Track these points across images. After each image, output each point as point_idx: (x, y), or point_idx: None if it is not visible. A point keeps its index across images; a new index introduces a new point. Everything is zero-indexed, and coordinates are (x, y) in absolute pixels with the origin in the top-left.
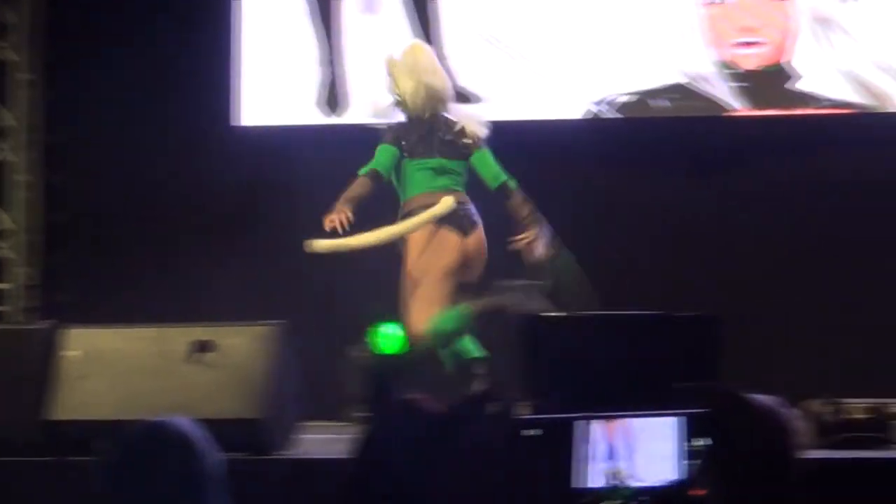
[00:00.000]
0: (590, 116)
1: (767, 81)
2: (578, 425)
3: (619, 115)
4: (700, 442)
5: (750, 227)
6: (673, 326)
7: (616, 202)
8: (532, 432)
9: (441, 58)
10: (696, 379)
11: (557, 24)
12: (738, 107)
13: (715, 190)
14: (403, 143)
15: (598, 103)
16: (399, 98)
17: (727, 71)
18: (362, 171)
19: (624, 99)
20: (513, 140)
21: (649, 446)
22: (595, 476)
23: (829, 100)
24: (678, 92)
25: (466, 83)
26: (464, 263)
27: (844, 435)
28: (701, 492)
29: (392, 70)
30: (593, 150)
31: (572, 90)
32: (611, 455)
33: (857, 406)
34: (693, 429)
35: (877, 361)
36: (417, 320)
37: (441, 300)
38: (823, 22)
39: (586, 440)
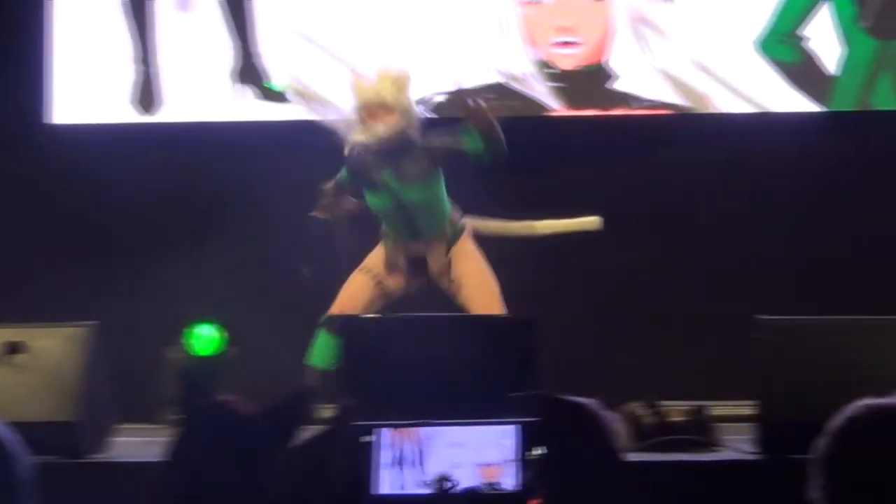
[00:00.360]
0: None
1: (585, 81)
2: (395, 432)
3: (435, 115)
4: (536, 451)
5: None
6: (489, 329)
7: None
8: (368, 439)
9: (254, 56)
10: (514, 382)
11: (373, 23)
12: (557, 107)
13: (532, 190)
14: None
15: (420, 102)
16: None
17: (545, 71)
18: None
19: (441, 98)
20: (326, 141)
21: (479, 454)
22: (413, 483)
23: (647, 100)
24: (496, 91)
25: (279, 82)
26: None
27: (664, 438)
28: (536, 501)
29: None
30: None
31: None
32: (425, 462)
33: (677, 409)
34: (528, 437)
35: (695, 364)
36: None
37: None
38: (641, 22)
39: (399, 446)
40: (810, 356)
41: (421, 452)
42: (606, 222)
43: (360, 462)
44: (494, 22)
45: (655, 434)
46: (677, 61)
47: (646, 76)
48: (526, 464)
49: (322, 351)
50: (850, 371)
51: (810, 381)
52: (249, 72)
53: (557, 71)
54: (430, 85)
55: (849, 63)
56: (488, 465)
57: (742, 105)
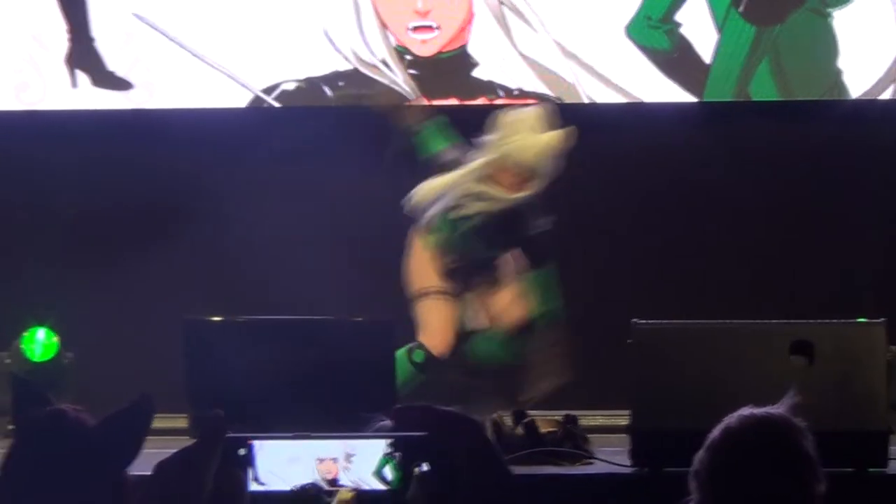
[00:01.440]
0: (258, 105)
1: (445, 68)
2: (258, 445)
3: (289, 104)
4: (416, 466)
5: None
6: (345, 331)
7: (290, 191)
8: (242, 451)
9: (88, 40)
10: (372, 386)
11: (221, 7)
12: (415, 96)
13: (392, 180)
14: None
15: (267, 91)
16: None
17: (403, 57)
18: None
19: (294, 86)
20: (178, 131)
21: (356, 466)
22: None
23: (511, 89)
24: (350, 79)
25: (116, 68)
26: None
27: (536, 449)
28: None
29: None
30: (265, 140)
31: (238, 78)
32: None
33: (548, 419)
34: (407, 452)
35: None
36: None
37: None
38: (505, 5)
39: (272, 458)
40: (688, 363)
41: (293, 464)
42: None
43: (235, 476)
44: (348, 5)
45: (523, 446)
46: (543, 48)
47: (510, 63)
48: (406, 478)
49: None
50: (727, 378)
51: (686, 389)
52: (87, 56)
53: (415, 57)
54: (284, 72)
55: (724, 50)
56: (366, 478)
57: (612, 95)
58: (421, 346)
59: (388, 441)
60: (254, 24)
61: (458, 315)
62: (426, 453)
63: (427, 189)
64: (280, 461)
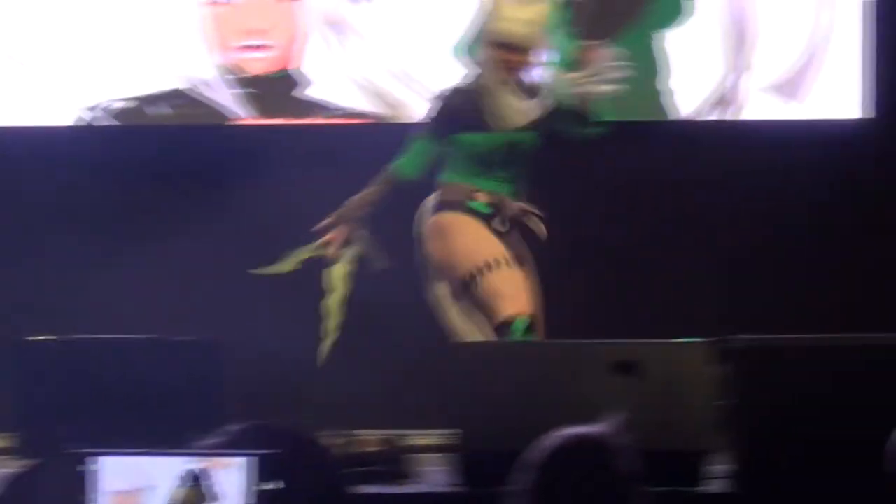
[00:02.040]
0: (82, 123)
1: (275, 88)
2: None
3: (114, 123)
4: (268, 485)
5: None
6: (168, 350)
7: (111, 209)
8: (84, 468)
9: None
10: (200, 405)
11: (47, 24)
12: (244, 114)
13: (218, 201)
14: None
15: (91, 109)
16: None
17: (232, 76)
18: None
19: (120, 105)
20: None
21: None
22: None
23: (342, 108)
24: (179, 98)
25: None
26: None
27: (357, 469)
28: None
29: None
30: (87, 160)
31: (62, 95)
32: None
33: (370, 438)
34: (261, 469)
35: (392, 391)
36: None
37: None
38: (335, 26)
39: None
40: (511, 383)
41: (133, 480)
42: (301, 236)
43: (77, 494)
44: (176, 23)
45: (348, 465)
46: (374, 67)
47: (341, 83)
48: (259, 499)
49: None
50: (551, 397)
51: (510, 408)
52: None
53: (245, 76)
54: (109, 91)
55: (558, 68)
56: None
57: None
58: (510, 320)
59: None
60: (80, 39)
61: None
62: (276, 469)
63: None
64: (121, 477)
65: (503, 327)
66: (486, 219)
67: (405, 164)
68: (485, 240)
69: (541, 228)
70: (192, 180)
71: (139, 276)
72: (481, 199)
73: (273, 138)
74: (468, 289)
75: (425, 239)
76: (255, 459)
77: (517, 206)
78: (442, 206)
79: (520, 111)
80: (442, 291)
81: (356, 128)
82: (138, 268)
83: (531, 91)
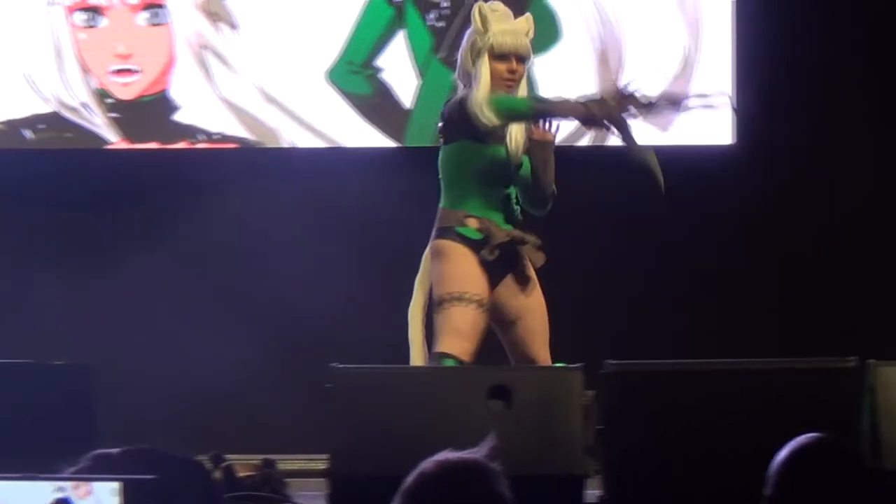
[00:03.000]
0: None
1: (146, 112)
2: None
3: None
4: None
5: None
6: (42, 375)
7: None
8: None
9: None
10: (72, 429)
11: None
12: (116, 139)
13: (90, 227)
14: None
15: None
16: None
17: (104, 100)
18: None
19: None
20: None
21: None
22: None
23: (212, 133)
24: (51, 122)
25: None
26: None
27: (233, 494)
28: None
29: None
30: None
31: None
32: None
33: (246, 463)
34: (135, 494)
35: (269, 417)
36: None
37: None
38: (205, 50)
39: None
40: (386, 407)
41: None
42: (170, 261)
43: None
44: (48, 47)
45: (225, 490)
46: (244, 92)
47: (211, 107)
48: None
49: None
50: (427, 423)
51: (385, 433)
52: None
53: (116, 101)
54: None
55: (425, 96)
56: None
57: (313, 139)
58: (446, 355)
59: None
60: None
61: (484, 326)
62: (153, 496)
63: None
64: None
65: (435, 359)
66: (477, 246)
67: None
68: (466, 271)
69: (538, 256)
70: (65, 205)
71: (17, 299)
72: (472, 225)
73: (146, 163)
74: (433, 313)
75: (426, 262)
76: (124, 485)
77: (506, 233)
78: (438, 232)
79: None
80: (415, 309)
81: (226, 152)
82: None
83: None
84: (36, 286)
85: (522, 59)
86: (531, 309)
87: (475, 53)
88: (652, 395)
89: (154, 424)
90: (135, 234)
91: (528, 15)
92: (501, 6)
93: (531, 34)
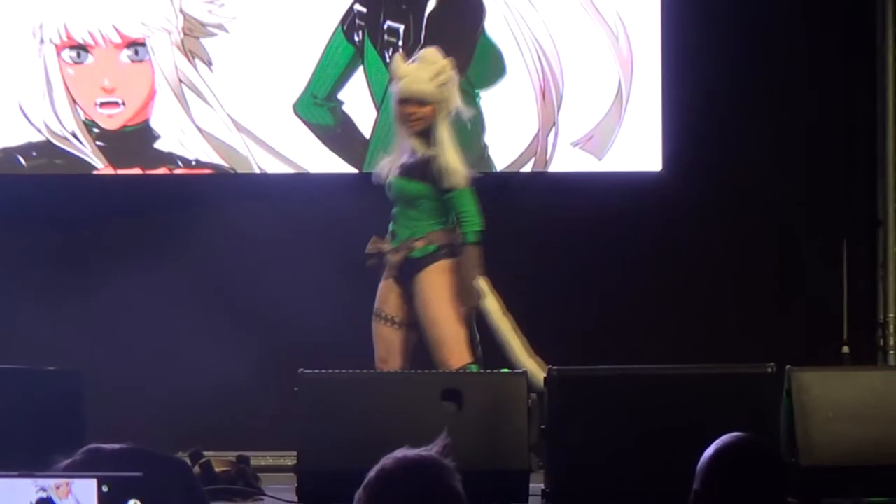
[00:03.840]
0: None
1: (129, 141)
2: None
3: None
4: None
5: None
6: (31, 380)
7: None
8: None
9: None
10: (62, 431)
11: None
12: (102, 165)
13: (79, 245)
14: None
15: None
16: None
17: (91, 130)
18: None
19: None
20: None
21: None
22: None
23: (188, 159)
24: (43, 150)
25: None
26: None
27: (211, 487)
28: None
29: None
30: None
31: None
32: None
33: (222, 459)
34: (118, 491)
35: (241, 415)
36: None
37: None
38: (183, 85)
39: None
40: (349, 408)
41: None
42: (152, 274)
43: None
44: (40, 81)
45: (202, 483)
46: (218, 122)
47: (188, 136)
48: None
49: None
50: (386, 422)
51: (348, 432)
52: None
53: (102, 130)
54: None
55: (382, 126)
56: None
57: (281, 165)
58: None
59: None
60: None
61: (404, 344)
62: (137, 492)
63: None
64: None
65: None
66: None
67: None
68: (382, 288)
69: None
70: (54, 226)
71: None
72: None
73: (130, 187)
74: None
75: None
76: (105, 481)
77: (397, 254)
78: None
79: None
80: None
81: (201, 178)
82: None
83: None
84: (30, 299)
85: (423, 102)
86: None
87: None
88: (590, 397)
89: (138, 425)
90: (119, 251)
91: (442, 62)
92: (429, 53)
93: (441, 78)
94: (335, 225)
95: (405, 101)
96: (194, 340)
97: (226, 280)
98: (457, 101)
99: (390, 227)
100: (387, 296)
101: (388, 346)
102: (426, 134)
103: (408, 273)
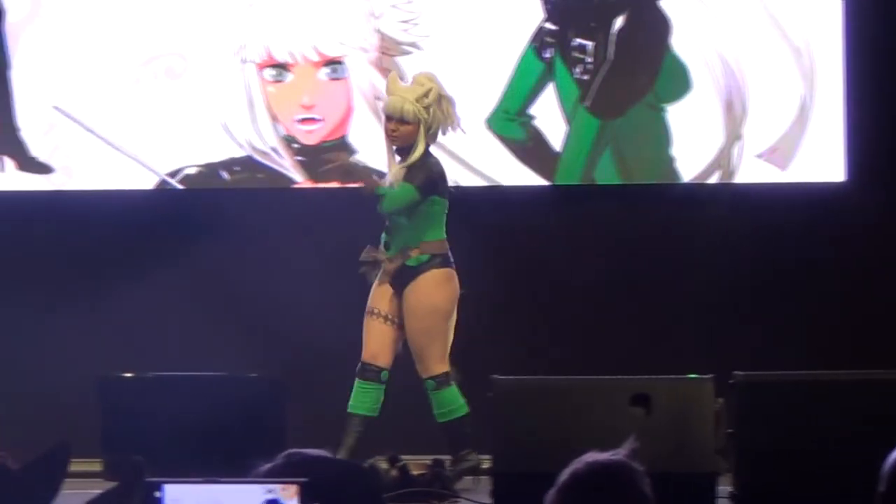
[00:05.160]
0: (163, 187)
1: (328, 155)
2: (171, 489)
3: (190, 186)
4: None
5: (313, 292)
6: (237, 386)
7: (190, 263)
8: (158, 494)
9: (14, 130)
10: (264, 438)
11: (130, 100)
12: (301, 179)
13: (276, 255)
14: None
15: (172, 174)
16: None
17: (291, 146)
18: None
19: (195, 170)
20: (88, 210)
21: None
22: None
23: (384, 173)
24: (245, 164)
25: (39, 154)
26: None
27: (404, 490)
28: None
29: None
30: (168, 217)
31: (145, 163)
32: None
33: (417, 462)
34: (307, 497)
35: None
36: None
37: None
38: (379, 101)
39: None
40: (541, 413)
41: None
42: (345, 288)
43: None
44: (242, 100)
45: (397, 487)
46: None
47: (384, 151)
48: None
49: (360, 398)
50: (576, 427)
51: (540, 436)
52: (12, 143)
53: (301, 146)
54: (182, 158)
55: (572, 140)
56: None
57: (474, 178)
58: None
59: (269, 488)
60: (160, 115)
61: (395, 340)
62: (321, 496)
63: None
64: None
65: (362, 365)
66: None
67: None
68: (375, 290)
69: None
70: (250, 239)
71: (207, 322)
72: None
73: (326, 200)
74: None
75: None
76: (302, 486)
77: (394, 263)
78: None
79: (392, 173)
80: None
81: None
82: (216, 312)
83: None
84: (232, 306)
85: (404, 120)
86: None
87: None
88: (776, 401)
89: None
90: (320, 259)
91: (430, 86)
92: (422, 77)
93: (426, 101)
94: (525, 235)
95: (388, 117)
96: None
97: None
98: (450, 122)
99: (383, 237)
100: (381, 296)
101: (382, 341)
102: (406, 150)
103: (402, 279)
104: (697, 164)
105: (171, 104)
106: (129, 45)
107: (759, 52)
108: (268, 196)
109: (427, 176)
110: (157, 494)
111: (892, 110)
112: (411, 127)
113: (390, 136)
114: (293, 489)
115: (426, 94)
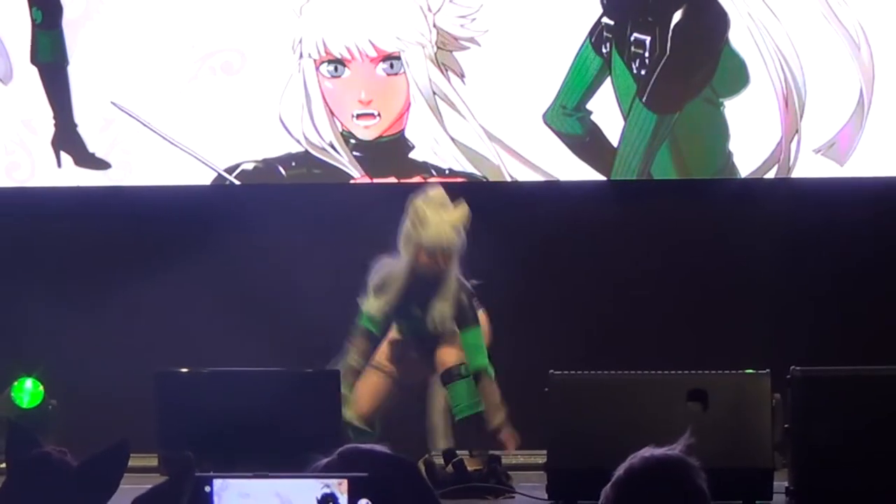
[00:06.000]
0: (221, 182)
1: (385, 151)
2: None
3: (247, 182)
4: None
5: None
6: (294, 381)
7: (248, 257)
8: (208, 488)
9: (72, 126)
10: (321, 432)
11: (188, 96)
12: (358, 175)
13: (333, 251)
14: None
15: (229, 170)
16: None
17: (348, 141)
18: None
19: (252, 166)
20: (145, 206)
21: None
22: None
23: (441, 168)
24: (302, 160)
25: (96, 150)
26: None
27: (460, 485)
28: None
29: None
30: (226, 212)
31: (203, 158)
32: None
33: (475, 458)
34: (356, 491)
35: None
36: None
37: None
38: (436, 97)
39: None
40: (597, 408)
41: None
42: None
43: None
44: (300, 95)
45: (453, 482)
46: (471, 132)
47: (442, 146)
48: None
49: (457, 400)
50: (632, 422)
51: (596, 431)
52: (70, 139)
53: (359, 141)
54: (239, 154)
55: (629, 135)
56: None
57: (531, 174)
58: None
59: (325, 482)
60: (217, 111)
61: (387, 390)
62: (369, 491)
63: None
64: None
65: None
66: None
67: None
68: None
69: None
70: (315, 231)
71: (264, 318)
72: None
73: (383, 196)
74: None
75: None
76: (351, 481)
77: None
78: None
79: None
80: None
81: (455, 185)
82: (273, 306)
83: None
84: (290, 307)
85: (447, 253)
86: None
87: (407, 240)
88: (834, 396)
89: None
90: (378, 255)
91: (463, 208)
92: (439, 194)
93: (461, 226)
94: (583, 229)
95: (432, 252)
96: None
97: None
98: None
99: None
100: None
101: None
102: (436, 282)
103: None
104: (755, 159)
105: (228, 100)
106: (186, 41)
107: (816, 46)
108: (325, 191)
109: (470, 303)
110: (208, 489)
111: None
112: (451, 257)
113: (430, 270)
114: (345, 486)
115: (461, 219)
